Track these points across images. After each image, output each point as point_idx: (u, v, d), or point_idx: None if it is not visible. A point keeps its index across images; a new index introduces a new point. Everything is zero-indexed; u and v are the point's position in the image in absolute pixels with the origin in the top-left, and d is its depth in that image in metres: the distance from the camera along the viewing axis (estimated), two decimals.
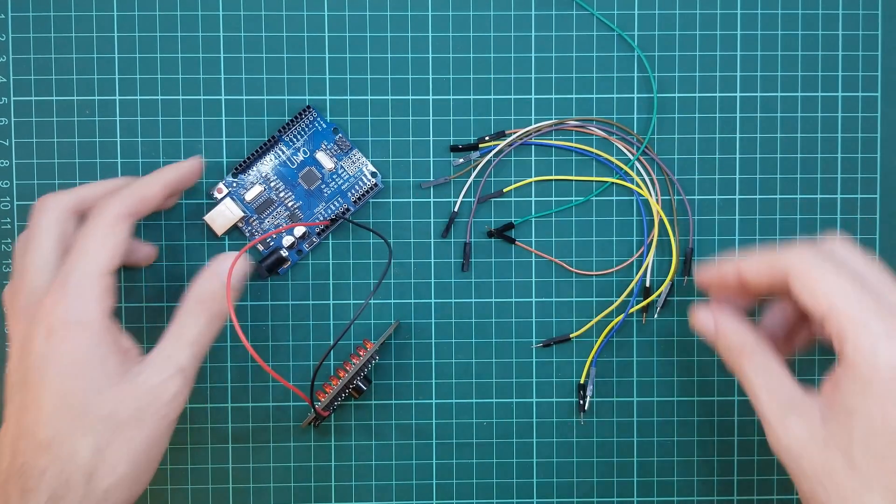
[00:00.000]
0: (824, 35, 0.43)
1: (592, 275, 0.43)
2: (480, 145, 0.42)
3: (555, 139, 0.43)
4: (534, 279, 0.43)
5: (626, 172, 0.43)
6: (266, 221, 0.42)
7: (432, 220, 0.43)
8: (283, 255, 0.42)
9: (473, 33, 0.42)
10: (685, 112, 0.43)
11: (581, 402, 0.43)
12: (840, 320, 0.30)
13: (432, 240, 0.43)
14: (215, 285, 0.36)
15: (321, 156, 0.42)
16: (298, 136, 0.42)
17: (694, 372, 0.43)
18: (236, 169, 0.42)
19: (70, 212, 0.37)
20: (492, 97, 0.42)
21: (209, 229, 0.42)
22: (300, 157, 0.42)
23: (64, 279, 0.34)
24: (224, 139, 0.43)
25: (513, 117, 0.43)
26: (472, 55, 0.42)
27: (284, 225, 0.42)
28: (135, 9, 0.42)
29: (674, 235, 0.43)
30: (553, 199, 0.43)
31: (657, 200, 0.43)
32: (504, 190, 0.43)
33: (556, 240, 0.43)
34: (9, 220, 0.43)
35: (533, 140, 0.43)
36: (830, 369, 0.32)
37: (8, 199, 0.43)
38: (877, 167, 0.43)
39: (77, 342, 0.33)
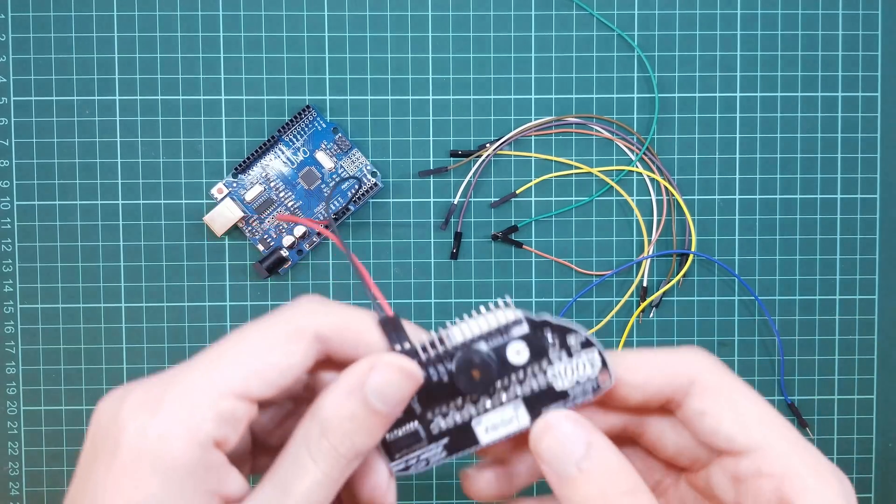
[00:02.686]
0: (824, 35, 0.43)
1: (594, 274, 0.43)
2: (479, 153, 0.42)
3: (555, 140, 0.43)
4: (534, 279, 0.43)
5: (630, 166, 0.43)
6: (266, 222, 0.42)
7: (432, 219, 0.43)
8: (284, 254, 0.42)
9: (473, 33, 0.42)
10: (685, 112, 0.43)
11: None
12: (782, 463, 0.24)
13: (432, 240, 0.43)
14: (354, 408, 0.23)
15: (321, 155, 0.42)
16: (298, 136, 0.42)
17: None
18: (236, 169, 0.42)
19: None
20: (492, 97, 0.42)
21: (209, 230, 0.42)
22: (300, 156, 0.42)
23: (170, 380, 0.23)
24: (224, 139, 0.42)
25: (513, 117, 0.43)
26: (471, 55, 0.42)
27: (288, 217, 0.42)
28: (134, 9, 0.42)
29: (690, 233, 0.43)
30: (553, 199, 0.43)
31: (655, 201, 0.43)
32: (517, 191, 0.43)
33: (556, 240, 0.43)
34: (9, 220, 0.43)
35: (533, 136, 0.43)
36: None
37: (8, 199, 0.42)
38: (877, 167, 0.43)
39: (144, 490, 0.21)
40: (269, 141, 0.42)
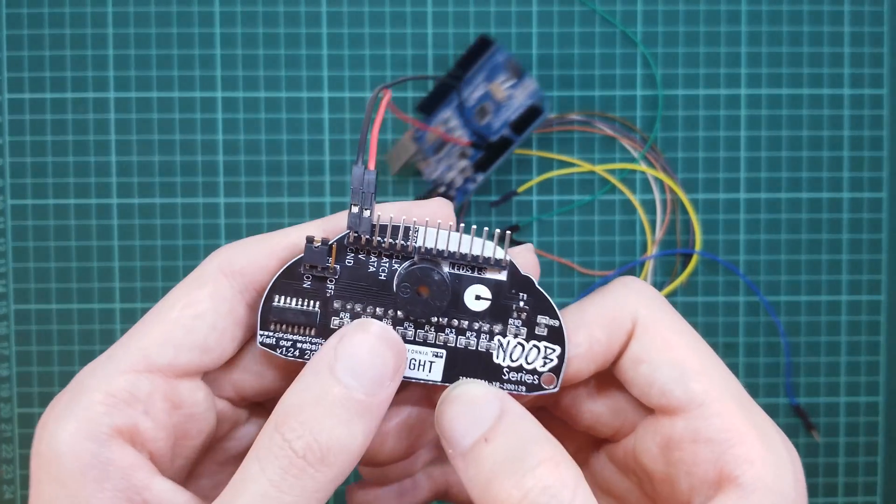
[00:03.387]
0: (829, 32, 0.42)
1: (596, 275, 0.43)
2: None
3: (556, 138, 0.42)
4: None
5: (634, 164, 0.42)
6: (441, 164, 0.40)
7: None
8: (450, 194, 0.39)
9: (473, 30, 0.42)
10: (689, 110, 0.42)
11: None
12: (724, 426, 0.20)
13: None
14: (319, 389, 0.19)
15: (495, 87, 0.40)
16: (477, 73, 0.40)
17: None
18: (420, 108, 0.40)
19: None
20: None
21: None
22: (478, 92, 0.40)
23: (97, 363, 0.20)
24: (221, 137, 0.42)
25: None
26: None
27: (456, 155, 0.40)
28: (129, 5, 0.42)
29: (694, 233, 0.42)
30: (555, 198, 0.43)
31: (659, 200, 0.42)
32: (518, 190, 0.42)
33: (557, 239, 0.43)
34: (2, 219, 0.42)
35: (535, 133, 0.42)
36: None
37: (1, 198, 0.42)
38: (883, 165, 0.43)
39: (45, 485, 0.18)
40: (447, 77, 0.40)
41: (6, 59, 0.42)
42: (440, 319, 0.21)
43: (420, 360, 0.21)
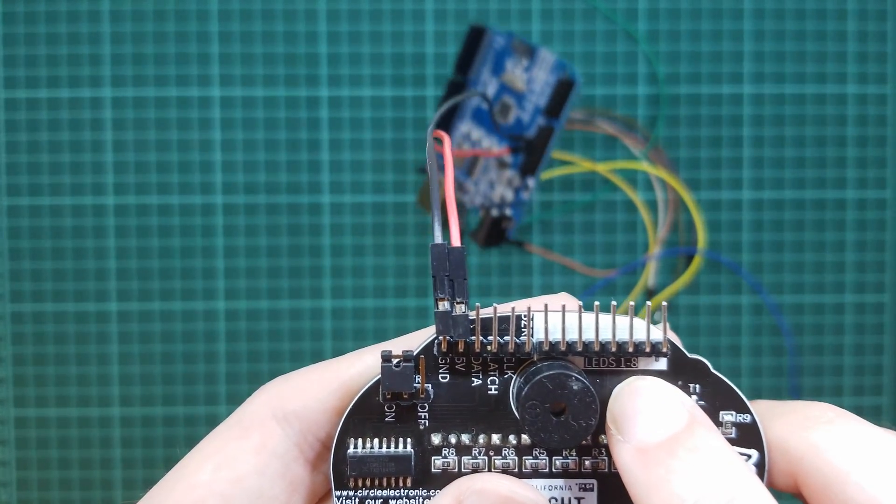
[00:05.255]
0: (833, 30, 0.42)
1: (598, 275, 0.42)
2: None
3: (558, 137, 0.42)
4: (536, 280, 0.42)
5: (636, 163, 0.42)
6: (482, 183, 0.35)
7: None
8: (505, 213, 0.34)
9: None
10: (691, 108, 0.42)
11: None
12: None
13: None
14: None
15: (509, 78, 0.34)
16: (481, 69, 0.35)
17: None
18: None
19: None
20: None
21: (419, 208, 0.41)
22: (490, 89, 0.34)
23: None
24: (219, 136, 0.42)
25: None
26: None
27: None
28: (126, 2, 0.42)
29: (696, 233, 0.42)
30: (556, 197, 0.42)
31: (662, 199, 0.42)
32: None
33: (559, 239, 0.42)
34: None
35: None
36: None
37: None
38: (887, 164, 0.42)
39: None
40: (451, 88, 0.35)
41: (2, 57, 0.42)
42: (584, 439, 0.16)
43: (563, 499, 0.16)
